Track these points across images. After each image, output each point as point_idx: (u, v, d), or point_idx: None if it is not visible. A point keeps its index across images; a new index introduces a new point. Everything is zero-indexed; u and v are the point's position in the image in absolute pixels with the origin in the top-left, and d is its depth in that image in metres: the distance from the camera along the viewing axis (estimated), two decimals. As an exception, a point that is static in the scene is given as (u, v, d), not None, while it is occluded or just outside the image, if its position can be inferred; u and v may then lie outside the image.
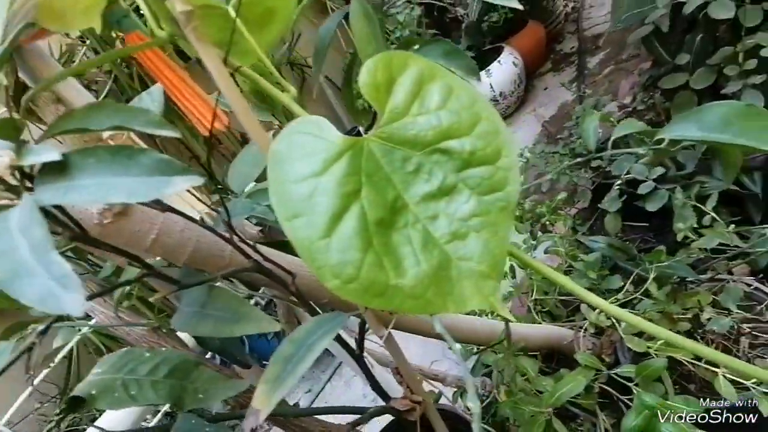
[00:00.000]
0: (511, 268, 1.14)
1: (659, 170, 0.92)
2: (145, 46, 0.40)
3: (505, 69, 2.43)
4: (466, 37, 2.66)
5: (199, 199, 0.60)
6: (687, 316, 0.72)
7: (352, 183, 0.27)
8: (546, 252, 1.01)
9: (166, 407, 0.90)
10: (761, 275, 0.91)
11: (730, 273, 0.89)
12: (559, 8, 2.92)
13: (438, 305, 0.27)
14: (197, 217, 0.43)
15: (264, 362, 1.81)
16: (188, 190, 0.66)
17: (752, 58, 0.99)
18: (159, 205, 0.36)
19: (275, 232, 0.69)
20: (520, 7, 0.36)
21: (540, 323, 1.01)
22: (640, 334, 0.76)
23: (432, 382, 0.99)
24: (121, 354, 0.39)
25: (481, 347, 0.83)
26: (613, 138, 0.40)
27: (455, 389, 1.00)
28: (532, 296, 1.05)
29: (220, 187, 0.59)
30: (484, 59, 2.50)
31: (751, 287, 0.81)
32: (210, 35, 0.37)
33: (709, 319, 0.67)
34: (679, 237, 0.74)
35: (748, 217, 1.03)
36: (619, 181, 0.96)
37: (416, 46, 0.39)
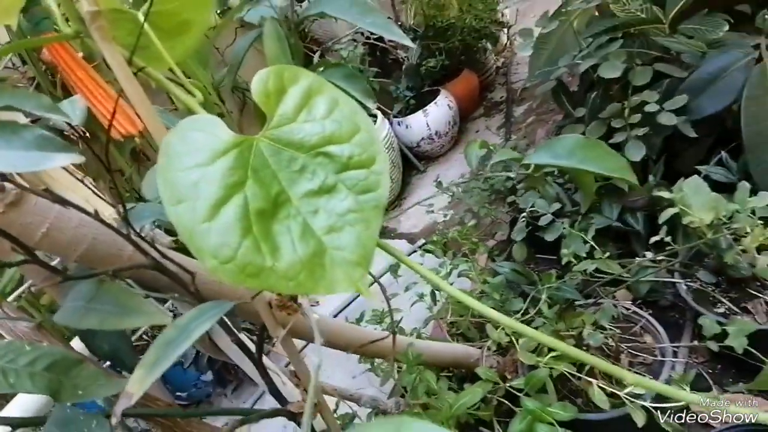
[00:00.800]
0: (432, 294, 1.20)
1: (556, 205, 1.03)
2: (51, 39, 0.41)
3: (440, 110, 2.60)
4: (405, 78, 2.82)
5: (109, 203, 0.59)
6: (572, 333, 0.80)
7: (237, 175, 0.30)
8: (459, 276, 1.08)
9: None
10: (640, 301, 1.03)
11: (614, 298, 1.00)
12: (491, 62, 3.20)
13: (309, 287, 0.30)
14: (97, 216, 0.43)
15: (178, 393, 1.71)
16: (97, 194, 0.65)
17: (637, 113, 1.16)
18: (50, 195, 0.36)
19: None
20: (412, 45, 0.42)
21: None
22: (534, 350, 0.83)
23: (347, 402, 0.99)
24: (3, 344, 0.38)
25: (391, 362, 0.86)
26: (491, 162, 0.46)
27: (370, 410, 1.01)
28: (447, 318, 1.11)
29: (138, 196, 0.59)
30: (422, 100, 2.66)
31: (630, 311, 0.91)
32: (119, 38, 0.40)
33: (588, 335, 0.75)
34: (564, 261, 0.83)
35: (634, 251, 1.17)
36: (524, 214, 1.06)
37: (321, 69, 0.44)
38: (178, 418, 0.46)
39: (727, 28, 1.07)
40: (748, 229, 0.62)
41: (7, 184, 0.37)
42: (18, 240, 0.34)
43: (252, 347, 0.55)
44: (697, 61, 1.17)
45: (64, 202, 0.36)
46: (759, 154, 0.91)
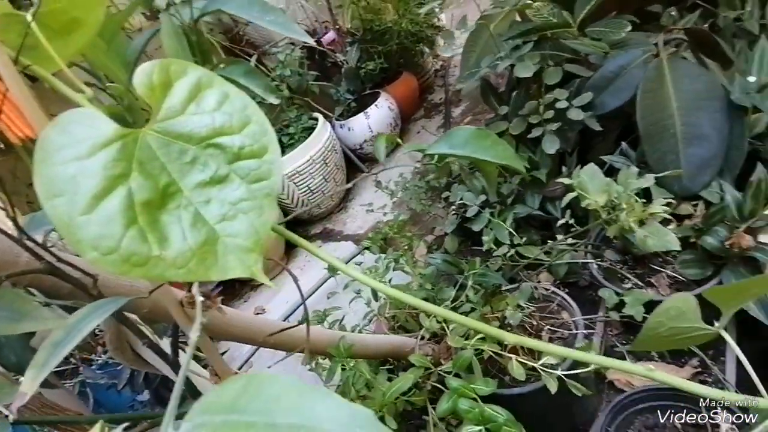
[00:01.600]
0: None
1: (482, 197, 1.09)
2: None
3: (381, 112, 2.64)
4: (345, 81, 2.84)
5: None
6: (497, 315, 0.85)
7: (121, 167, 0.31)
8: (394, 269, 1.11)
9: None
10: (558, 282, 1.11)
11: (538, 281, 1.07)
12: (429, 64, 3.30)
13: (200, 274, 0.31)
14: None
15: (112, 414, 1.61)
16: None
17: (550, 110, 1.25)
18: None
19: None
20: (312, 43, 0.44)
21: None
22: (464, 335, 0.88)
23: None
24: None
25: (322, 356, 0.87)
26: (398, 154, 0.48)
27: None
28: (385, 313, 1.13)
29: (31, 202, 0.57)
30: (363, 102, 2.70)
31: (549, 291, 0.98)
32: (9, 40, 0.39)
33: (509, 315, 0.80)
34: (485, 247, 0.88)
35: (555, 237, 1.26)
36: (454, 207, 1.11)
37: (222, 65, 0.45)
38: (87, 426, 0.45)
39: (629, 28, 1.18)
40: (624, 206, 0.69)
41: None
42: None
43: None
44: (601, 61, 1.28)
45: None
46: (653, 143, 1.01)
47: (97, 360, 1.48)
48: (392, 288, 0.41)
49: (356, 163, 2.65)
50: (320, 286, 1.85)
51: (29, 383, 0.31)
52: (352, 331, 1.17)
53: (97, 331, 1.16)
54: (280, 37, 2.76)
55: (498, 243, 0.88)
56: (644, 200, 0.71)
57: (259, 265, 0.33)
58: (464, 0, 4.04)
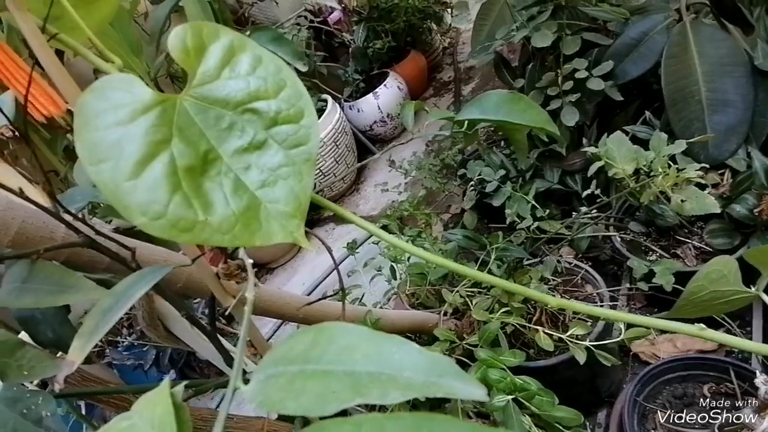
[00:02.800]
0: (392, 269, 1.22)
1: (501, 172, 1.07)
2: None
3: (391, 92, 2.60)
4: (353, 61, 2.80)
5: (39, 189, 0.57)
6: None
7: (162, 133, 0.30)
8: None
9: None
10: (581, 255, 1.10)
11: (559, 255, 1.06)
12: (437, 42, 3.23)
13: (245, 239, 0.31)
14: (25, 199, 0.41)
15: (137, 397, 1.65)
16: (28, 179, 0.62)
17: (569, 81, 1.22)
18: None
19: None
20: (337, 5, 0.42)
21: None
22: (487, 309, 0.88)
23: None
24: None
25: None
26: (426, 123, 0.48)
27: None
28: (406, 289, 1.14)
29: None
30: (371, 83, 2.66)
31: (572, 264, 0.98)
32: (35, 9, 0.38)
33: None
34: (508, 221, 0.87)
35: (575, 210, 1.25)
36: (472, 183, 1.10)
37: (248, 32, 0.44)
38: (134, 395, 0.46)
39: (650, -8, 1.14)
40: (660, 170, 0.67)
41: None
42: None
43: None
44: (621, 28, 1.24)
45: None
46: (679, 110, 0.98)
47: (123, 342, 1.51)
48: (428, 253, 0.40)
49: (367, 144, 2.63)
50: (340, 264, 1.87)
51: (77, 352, 0.31)
52: (330, 295, 1.17)
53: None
54: (286, 18, 2.72)
55: (519, 217, 0.87)
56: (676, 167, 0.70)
57: (301, 231, 0.32)
58: (471, -26, 3.95)
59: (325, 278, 1.94)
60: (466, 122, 0.49)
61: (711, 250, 0.92)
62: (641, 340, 0.75)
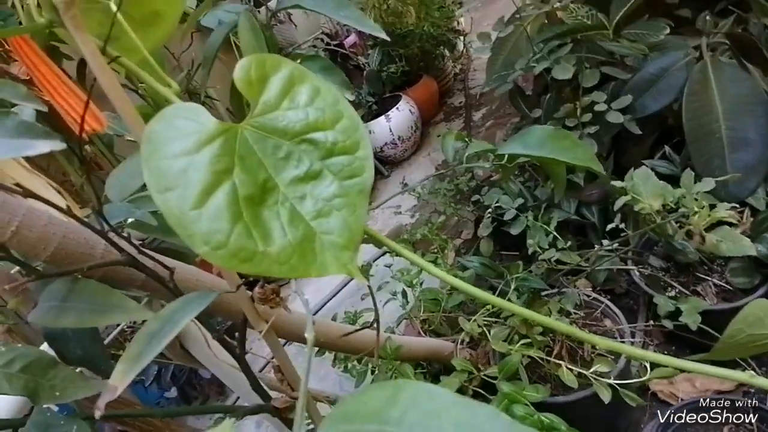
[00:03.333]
0: (404, 293, 1.21)
1: (519, 200, 1.08)
2: (23, 30, 0.40)
3: (403, 115, 2.64)
4: (367, 84, 2.85)
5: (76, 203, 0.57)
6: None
7: (225, 162, 0.30)
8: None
9: None
10: (598, 288, 1.09)
11: (575, 287, 1.05)
12: (449, 68, 3.29)
13: (301, 271, 0.31)
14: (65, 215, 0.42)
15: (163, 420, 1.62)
16: (62, 195, 0.62)
17: (588, 113, 1.23)
18: (22, 190, 0.35)
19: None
20: (387, 38, 0.43)
21: (426, 341, 1.07)
22: (506, 339, 0.86)
23: (324, 403, 0.99)
24: (-26, 348, 0.36)
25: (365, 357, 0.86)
26: (467, 154, 0.48)
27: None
28: (420, 315, 1.13)
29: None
30: (384, 105, 2.70)
31: (590, 297, 0.97)
32: (91, 28, 0.39)
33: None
34: (530, 251, 0.87)
35: (590, 242, 1.24)
36: (489, 210, 1.10)
37: (299, 60, 0.45)
38: (160, 419, 0.45)
39: (668, 31, 1.16)
40: (696, 209, 0.67)
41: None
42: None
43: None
44: (639, 63, 1.26)
45: (35, 197, 0.35)
46: (700, 146, 0.99)
47: (127, 356, 1.48)
48: (458, 279, 0.40)
49: (377, 166, 2.65)
50: (344, 285, 1.86)
51: (121, 377, 0.31)
52: (368, 326, 1.16)
53: (125, 326, 1.17)
54: (303, 40, 2.78)
55: (540, 248, 0.87)
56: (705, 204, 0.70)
57: (354, 263, 0.32)
58: (482, 5, 4.04)
59: (332, 297, 1.93)
60: (507, 156, 0.50)
61: (731, 288, 0.92)
62: (653, 374, 0.74)
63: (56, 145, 0.24)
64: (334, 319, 1.17)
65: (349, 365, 1.10)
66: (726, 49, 1.16)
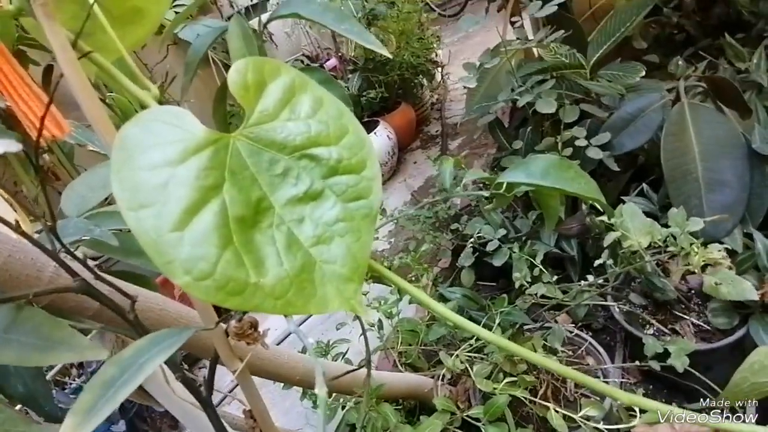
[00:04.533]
0: (379, 322, 1.16)
1: (502, 231, 1.06)
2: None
3: (380, 140, 2.64)
4: (345, 107, 2.84)
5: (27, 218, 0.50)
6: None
7: (213, 177, 0.26)
8: (410, 303, 1.05)
9: None
10: (580, 324, 1.07)
11: (556, 321, 1.03)
12: (427, 97, 3.35)
13: (299, 306, 0.26)
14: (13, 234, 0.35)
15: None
16: (13, 208, 0.55)
17: (569, 147, 1.25)
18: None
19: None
20: (389, 55, 0.40)
21: (403, 375, 1.02)
22: (488, 377, 0.82)
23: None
24: None
25: (344, 396, 0.80)
26: (464, 181, 0.46)
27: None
28: (397, 348, 1.07)
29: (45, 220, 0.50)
30: (362, 129, 2.70)
31: (572, 333, 0.95)
32: (64, 22, 0.34)
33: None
34: (517, 284, 0.84)
35: (569, 276, 1.24)
36: (471, 240, 1.08)
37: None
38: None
39: (643, 73, 1.20)
40: (694, 249, 0.67)
41: None
42: None
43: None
44: (615, 103, 1.30)
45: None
46: (678, 186, 1.01)
47: (71, 384, 1.35)
48: (459, 317, 0.36)
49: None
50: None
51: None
52: (359, 366, 1.10)
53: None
54: (284, 60, 2.77)
55: (527, 281, 0.85)
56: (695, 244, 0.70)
57: (359, 297, 0.28)
58: (458, 40, 4.19)
59: (301, 324, 1.84)
60: (505, 184, 0.47)
61: (709, 328, 0.92)
62: (640, 421, 0.71)
63: (10, 145, 0.19)
64: (303, 351, 1.10)
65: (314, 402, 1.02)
66: (699, 92, 1.21)
